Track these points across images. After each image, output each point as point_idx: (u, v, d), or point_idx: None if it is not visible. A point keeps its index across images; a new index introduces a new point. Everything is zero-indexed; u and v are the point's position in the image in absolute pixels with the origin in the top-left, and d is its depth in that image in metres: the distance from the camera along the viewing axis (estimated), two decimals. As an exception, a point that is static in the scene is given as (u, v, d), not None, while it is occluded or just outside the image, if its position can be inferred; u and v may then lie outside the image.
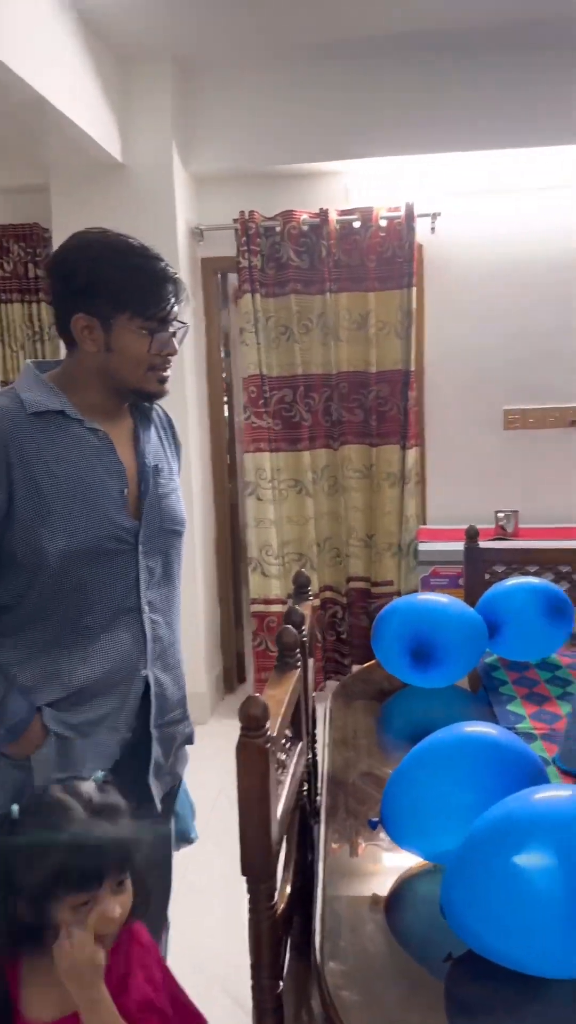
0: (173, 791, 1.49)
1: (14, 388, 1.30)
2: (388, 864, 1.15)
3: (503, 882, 0.87)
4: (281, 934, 1.12)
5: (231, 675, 3.84)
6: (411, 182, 3.39)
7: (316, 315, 3.39)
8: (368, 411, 3.46)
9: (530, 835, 0.87)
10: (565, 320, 3.42)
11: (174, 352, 1.33)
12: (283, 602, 3.52)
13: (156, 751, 1.38)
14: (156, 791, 1.39)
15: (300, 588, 1.80)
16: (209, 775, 1.91)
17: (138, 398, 1.38)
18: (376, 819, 1.13)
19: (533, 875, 0.85)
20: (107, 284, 1.25)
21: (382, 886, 1.10)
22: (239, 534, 3.85)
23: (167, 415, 1.54)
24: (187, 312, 1.38)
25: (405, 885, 1.11)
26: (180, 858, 1.73)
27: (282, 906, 1.16)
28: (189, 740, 1.51)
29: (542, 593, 1.86)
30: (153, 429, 1.45)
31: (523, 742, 1.13)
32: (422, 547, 3.23)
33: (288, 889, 1.23)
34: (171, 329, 1.31)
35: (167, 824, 1.48)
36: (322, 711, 1.77)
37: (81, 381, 1.32)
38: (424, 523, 3.59)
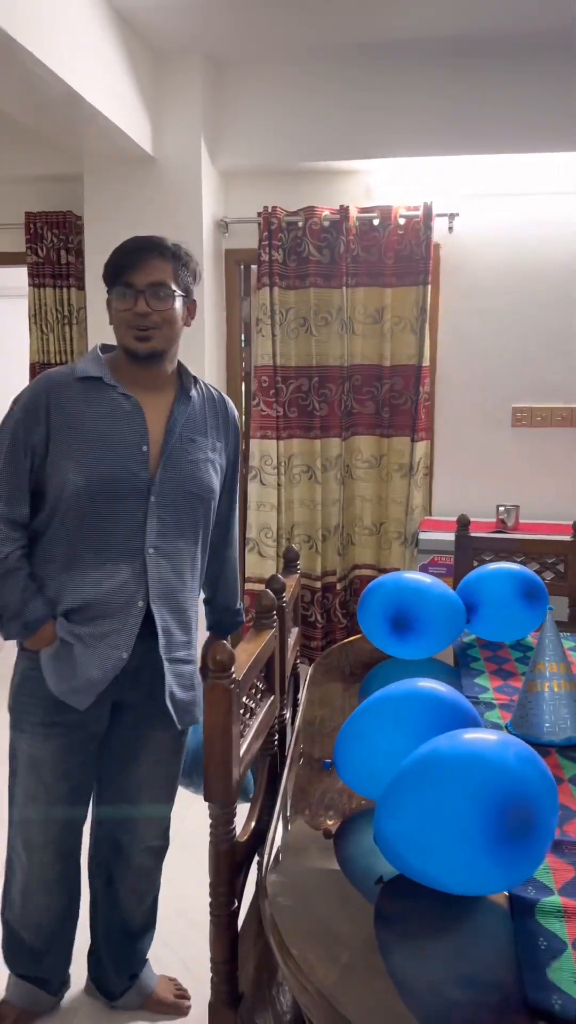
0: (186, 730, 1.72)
1: (76, 360, 1.64)
2: (338, 802, 1.27)
3: (426, 811, 0.99)
4: (240, 860, 1.25)
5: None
6: (431, 182, 3.48)
7: (334, 308, 3.51)
8: (380, 403, 3.57)
9: (446, 767, 0.99)
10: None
11: (141, 311, 1.51)
12: (279, 583, 3.65)
13: (170, 680, 1.60)
14: (175, 715, 1.62)
15: (289, 562, 1.93)
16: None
17: (133, 359, 1.57)
18: (329, 760, 1.26)
19: (452, 804, 0.97)
20: (106, 267, 1.56)
21: (329, 820, 1.23)
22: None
23: (225, 405, 1.74)
24: (187, 287, 1.59)
25: (350, 820, 1.23)
26: (176, 818, 1.88)
27: (245, 837, 1.29)
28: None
29: (518, 578, 1.96)
30: (197, 408, 1.66)
31: (463, 697, 1.24)
32: (423, 536, 3.34)
33: (252, 825, 1.36)
34: (138, 291, 1.51)
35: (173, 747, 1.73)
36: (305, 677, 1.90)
37: (120, 357, 1.60)
38: (430, 514, 3.69)
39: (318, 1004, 0.87)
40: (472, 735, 1.05)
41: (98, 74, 2.78)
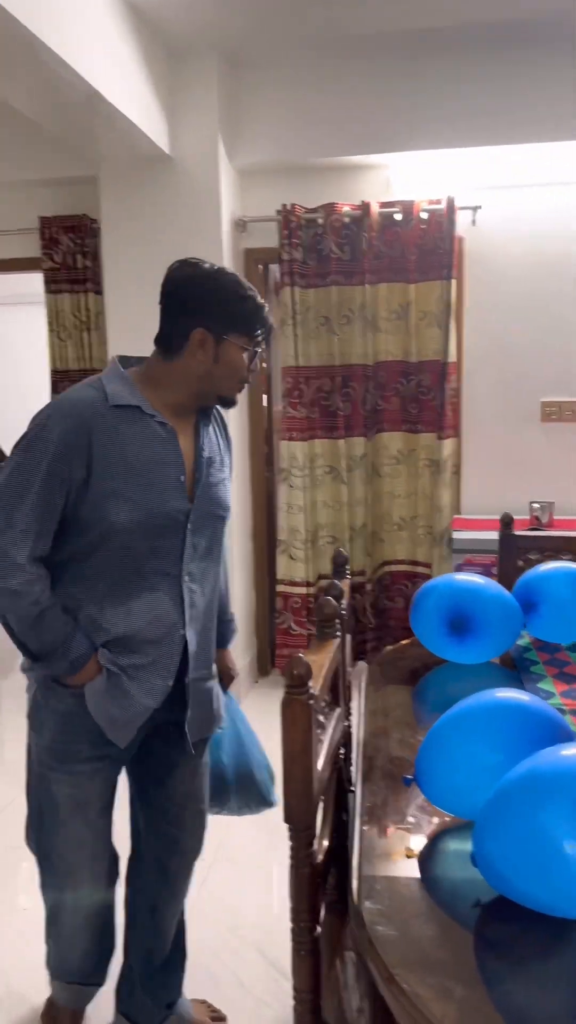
0: (204, 741, 1.67)
1: (100, 380, 1.48)
2: (421, 820, 1.21)
3: (531, 830, 0.93)
4: (319, 882, 1.20)
5: (264, 659, 3.92)
6: (453, 175, 3.42)
7: (357, 306, 3.45)
8: (407, 399, 3.51)
9: (555, 786, 0.93)
10: (605, 313, 3.44)
11: (257, 369, 1.56)
12: (307, 584, 3.60)
13: (191, 700, 1.56)
14: (190, 734, 1.58)
15: (338, 567, 1.88)
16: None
17: (221, 404, 1.58)
18: (410, 776, 1.20)
19: (559, 823, 0.91)
20: (224, 307, 1.47)
21: (415, 840, 1.17)
22: (276, 521, 3.93)
23: (220, 413, 1.69)
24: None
25: (437, 839, 1.17)
26: (216, 831, 1.82)
27: (321, 857, 1.24)
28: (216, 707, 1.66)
29: (579, 577, 1.91)
30: (212, 425, 1.63)
31: (551, 706, 1.18)
32: (456, 535, 3.28)
33: (325, 844, 1.30)
34: (263, 352, 1.56)
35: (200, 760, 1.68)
36: (358, 686, 1.84)
37: (165, 382, 1.50)
38: (459, 512, 3.63)
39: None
40: (573, 750, 0.99)
41: (116, 72, 2.73)
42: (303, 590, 3.62)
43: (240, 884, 2.34)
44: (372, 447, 3.57)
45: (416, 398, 3.50)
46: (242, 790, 1.78)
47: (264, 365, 1.54)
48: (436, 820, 1.20)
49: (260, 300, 1.52)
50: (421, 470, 3.56)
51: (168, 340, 1.49)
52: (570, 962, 0.91)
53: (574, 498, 3.48)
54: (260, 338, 1.52)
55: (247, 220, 3.53)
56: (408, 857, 1.13)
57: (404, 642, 2.04)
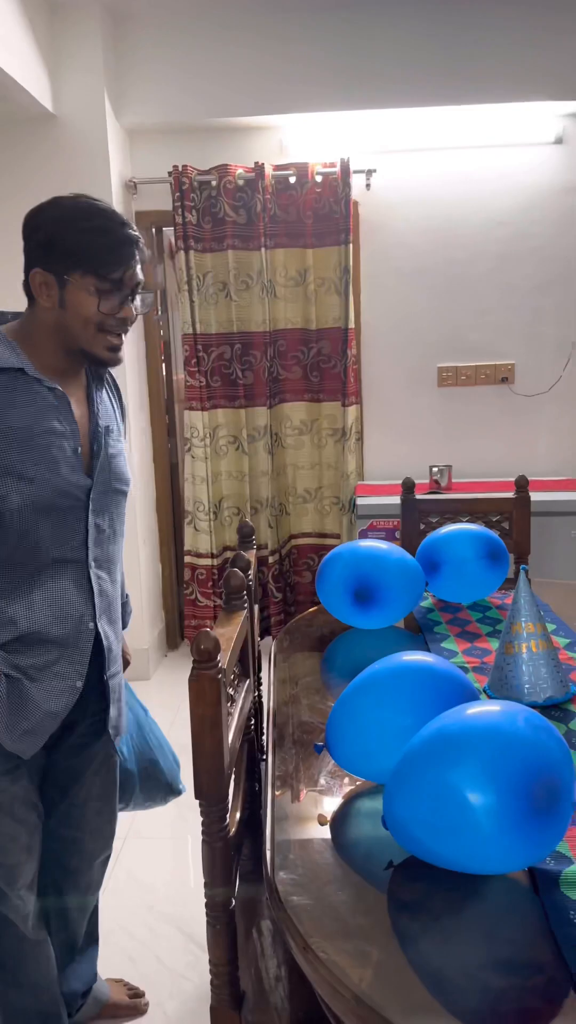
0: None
1: None
2: (332, 786, 1.22)
3: (439, 790, 0.94)
4: (232, 854, 1.19)
5: (173, 631, 3.88)
6: (347, 138, 3.40)
7: (255, 271, 3.40)
8: (308, 368, 3.50)
9: (460, 745, 0.94)
10: (497, 278, 3.51)
11: (128, 317, 1.33)
12: (212, 556, 3.57)
13: (109, 697, 1.46)
14: (113, 735, 1.48)
15: (244, 538, 1.85)
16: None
17: (90, 363, 1.39)
18: (321, 743, 1.20)
19: (465, 781, 0.93)
20: (64, 241, 1.28)
21: (327, 806, 1.17)
22: (180, 492, 3.87)
23: (114, 379, 1.56)
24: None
25: (348, 804, 1.18)
26: (128, 812, 1.78)
27: (233, 829, 1.22)
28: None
29: (481, 539, 1.95)
30: (105, 390, 1.49)
31: (455, 667, 1.20)
32: (360, 501, 3.31)
33: (237, 816, 1.29)
34: (127, 293, 1.32)
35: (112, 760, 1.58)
36: (267, 657, 1.83)
37: (38, 339, 1.34)
38: (363, 479, 3.67)
39: (357, 1009, 0.82)
40: (478, 708, 1.00)
41: (-10, 21, 2.56)
42: (208, 561, 3.59)
43: (153, 860, 2.32)
44: (274, 417, 3.55)
45: (317, 366, 3.50)
46: (148, 781, 1.68)
47: (136, 312, 1.34)
48: (347, 786, 1.21)
49: (117, 227, 1.29)
50: (324, 439, 3.56)
51: (25, 288, 1.32)
52: (480, 917, 0.93)
53: (471, 460, 3.57)
54: (116, 274, 1.29)
55: (138, 181, 3.41)
56: (321, 824, 1.13)
57: (311, 610, 2.04)
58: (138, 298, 1.36)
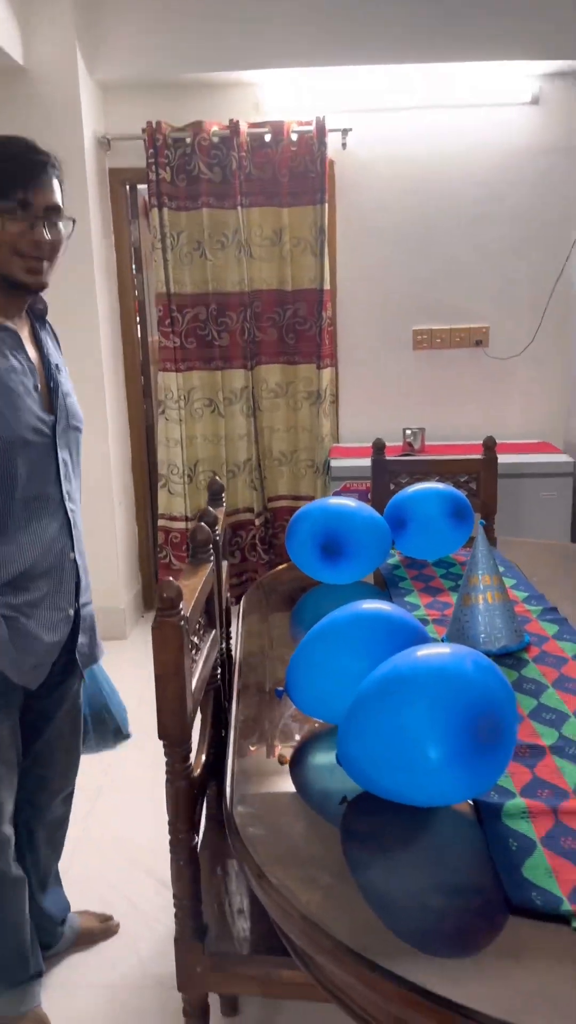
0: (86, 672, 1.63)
1: None
2: (292, 728, 1.26)
3: (389, 727, 0.99)
4: (196, 794, 1.24)
5: (150, 592, 3.92)
6: (323, 97, 3.36)
7: (230, 230, 3.37)
8: (284, 330, 3.50)
9: (409, 684, 0.99)
10: (472, 240, 3.51)
11: (41, 240, 1.34)
12: (187, 519, 3.60)
13: (82, 626, 1.54)
14: (81, 663, 1.55)
15: (214, 495, 1.88)
16: (131, 684, 2.02)
17: (11, 288, 1.37)
18: (282, 688, 1.24)
19: (413, 718, 0.97)
20: None
21: (286, 747, 1.22)
22: (156, 455, 3.88)
23: (51, 326, 1.58)
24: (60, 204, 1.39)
25: (307, 745, 1.22)
26: (105, 761, 1.83)
27: (198, 771, 1.27)
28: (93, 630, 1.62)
29: (446, 497, 1.99)
30: (48, 331, 1.53)
31: (409, 614, 1.25)
32: (334, 463, 3.34)
33: (203, 760, 1.34)
34: (37, 216, 1.33)
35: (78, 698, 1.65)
36: (237, 612, 1.87)
37: None
38: (338, 441, 3.69)
39: (304, 929, 0.87)
40: (428, 650, 1.05)
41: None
42: (183, 525, 3.62)
43: (127, 812, 2.38)
44: (252, 379, 3.55)
45: (293, 328, 3.49)
46: (100, 725, 1.74)
47: (49, 237, 1.35)
48: (307, 728, 1.26)
49: (26, 154, 1.32)
50: (300, 402, 3.57)
51: None
52: (426, 846, 0.99)
53: (444, 424, 3.60)
54: (22, 197, 1.30)
55: (111, 138, 3.37)
56: (280, 763, 1.18)
57: (281, 567, 2.08)
58: (60, 225, 1.36)
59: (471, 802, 1.03)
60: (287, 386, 3.56)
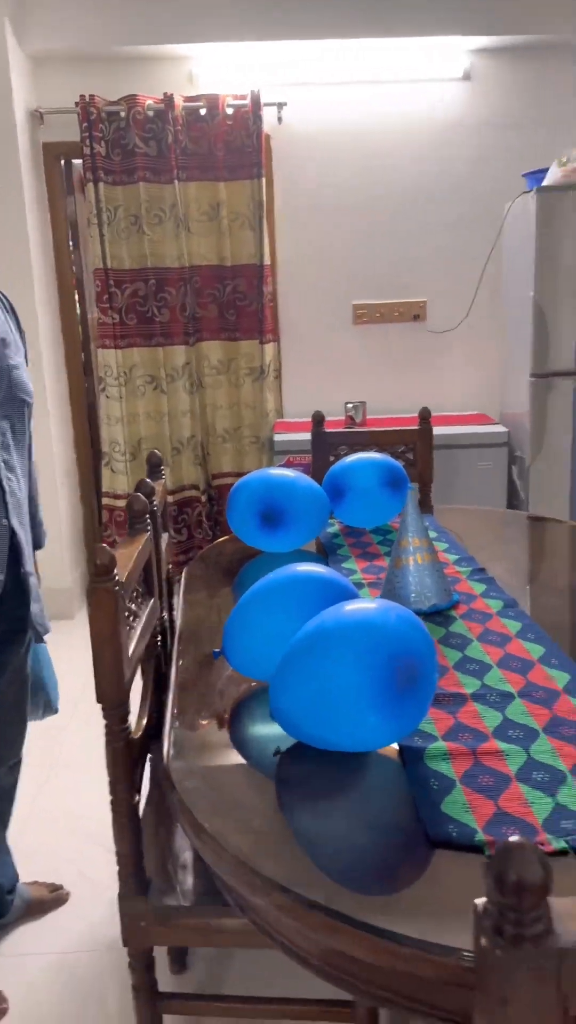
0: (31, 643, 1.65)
1: None
2: (229, 688, 1.30)
3: (319, 680, 1.03)
4: (136, 756, 1.27)
5: (97, 572, 3.91)
6: (258, 71, 3.36)
7: (167, 205, 3.36)
8: (224, 306, 3.50)
9: (334, 637, 1.03)
10: (409, 216, 3.55)
11: None
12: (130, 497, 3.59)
13: (32, 595, 1.56)
14: (37, 633, 1.59)
15: (153, 467, 1.90)
16: (78, 663, 2.04)
17: None
18: (218, 650, 1.28)
19: (344, 669, 1.02)
20: None
21: (223, 705, 1.26)
22: (99, 433, 3.86)
23: (8, 299, 1.62)
24: None
25: (242, 703, 1.27)
26: (54, 738, 1.85)
27: (139, 735, 1.30)
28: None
29: (382, 467, 2.04)
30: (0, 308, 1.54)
31: (342, 575, 1.29)
32: (276, 437, 3.37)
33: (144, 723, 1.37)
34: None
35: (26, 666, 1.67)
36: (179, 582, 1.90)
37: None
38: (282, 417, 3.73)
39: (236, 870, 0.91)
40: (354, 605, 1.09)
41: None
42: (126, 503, 3.61)
43: (79, 787, 2.40)
44: (194, 356, 3.55)
45: (233, 304, 3.50)
46: (35, 696, 1.76)
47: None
48: (244, 687, 1.30)
49: None
50: (243, 378, 3.59)
51: None
52: (355, 790, 1.04)
53: (385, 398, 3.66)
54: None
55: (44, 111, 3.31)
56: (217, 721, 1.21)
57: (223, 539, 2.11)
58: None
59: (397, 747, 1.08)
60: (229, 362, 3.58)
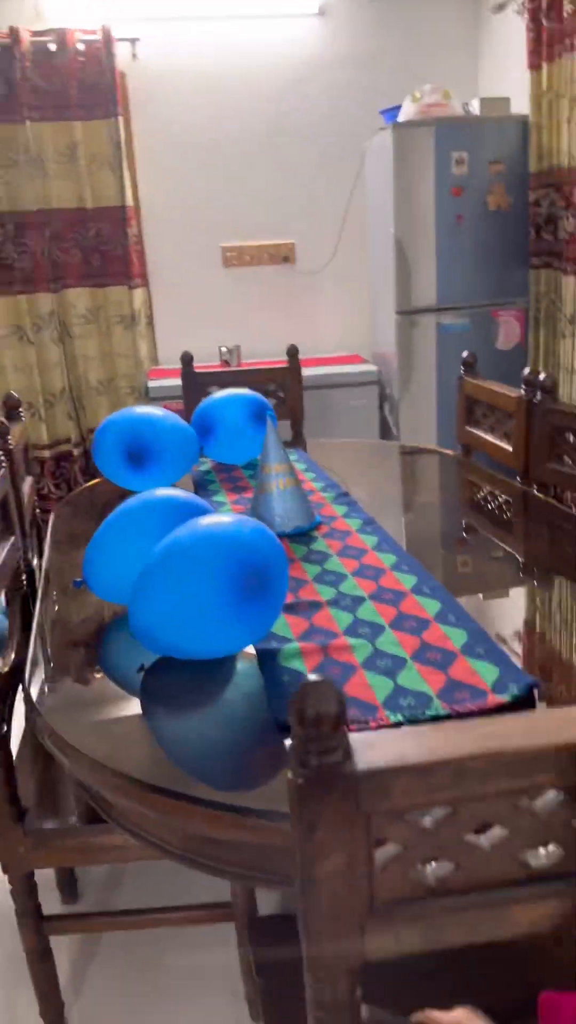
0: None
1: None
2: (93, 616, 1.32)
3: (174, 593, 1.06)
4: (3, 692, 1.27)
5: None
6: (108, 4, 3.24)
7: (20, 146, 3.22)
8: (88, 250, 3.41)
9: (186, 550, 1.06)
10: (273, 155, 3.54)
11: None
12: None
13: None
14: None
15: (10, 409, 1.86)
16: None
17: None
18: (79, 579, 1.29)
19: (196, 580, 1.05)
20: None
21: (86, 631, 1.28)
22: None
23: None
24: None
25: (107, 628, 1.29)
26: None
27: (6, 669, 1.31)
28: None
29: (247, 401, 2.06)
30: None
31: (200, 499, 1.32)
32: (151, 384, 3.34)
33: (12, 657, 1.37)
34: None
35: None
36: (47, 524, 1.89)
37: None
38: (157, 364, 3.69)
39: (97, 773, 0.94)
40: (208, 520, 1.13)
41: None
42: None
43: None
44: (59, 303, 3.45)
45: (97, 248, 3.41)
46: None
47: None
48: (107, 613, 1.32)
49: None
50: (113, 327, 3.52)
51: None
52: (214, 693, 1.08)
53: (259, 340, 3.67)
54: None
55: None
56: (82, 647, 1.23)
57: (92, 482, 2.10)
58: None
59: (254, 651, 1.13)
60: (98, 310, 3.50)
